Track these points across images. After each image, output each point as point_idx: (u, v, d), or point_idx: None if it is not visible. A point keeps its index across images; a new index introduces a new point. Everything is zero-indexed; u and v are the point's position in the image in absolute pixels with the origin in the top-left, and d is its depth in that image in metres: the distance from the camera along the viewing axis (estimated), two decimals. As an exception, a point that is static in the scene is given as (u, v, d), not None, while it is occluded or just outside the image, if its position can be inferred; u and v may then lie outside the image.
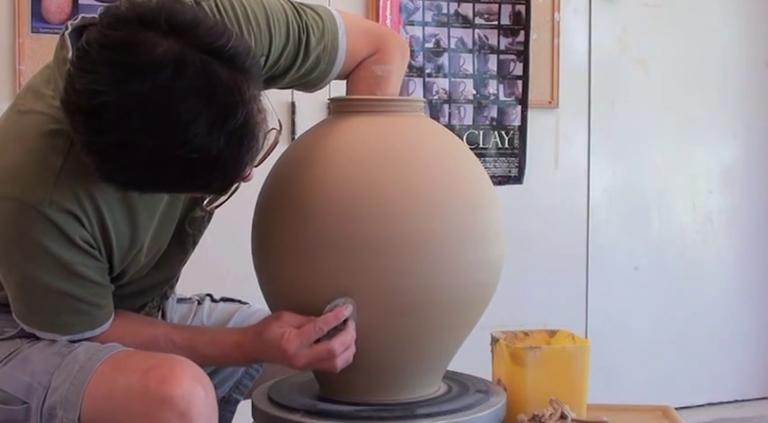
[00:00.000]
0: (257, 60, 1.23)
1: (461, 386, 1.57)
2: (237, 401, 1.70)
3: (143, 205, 1.36)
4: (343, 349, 1.38)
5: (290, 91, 2.73)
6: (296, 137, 2.38)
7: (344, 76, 1.55)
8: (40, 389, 1.31)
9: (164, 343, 1.41)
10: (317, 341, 1.37)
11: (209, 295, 1.74)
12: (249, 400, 1.59)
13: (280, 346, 1.37)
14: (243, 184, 1.39)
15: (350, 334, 1.38)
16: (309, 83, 1.53)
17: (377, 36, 1.56)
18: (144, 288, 1.50)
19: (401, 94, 2.79)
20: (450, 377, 1.60)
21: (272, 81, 1.44)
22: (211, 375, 1.42)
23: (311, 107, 2.73)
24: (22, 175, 1.26)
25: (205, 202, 1.40)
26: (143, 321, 1.46)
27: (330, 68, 1.50)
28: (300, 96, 2.79)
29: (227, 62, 1.15)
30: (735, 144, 3.50)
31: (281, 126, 1.30)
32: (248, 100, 1.16)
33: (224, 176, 1.21)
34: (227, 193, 1.31)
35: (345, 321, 1.38)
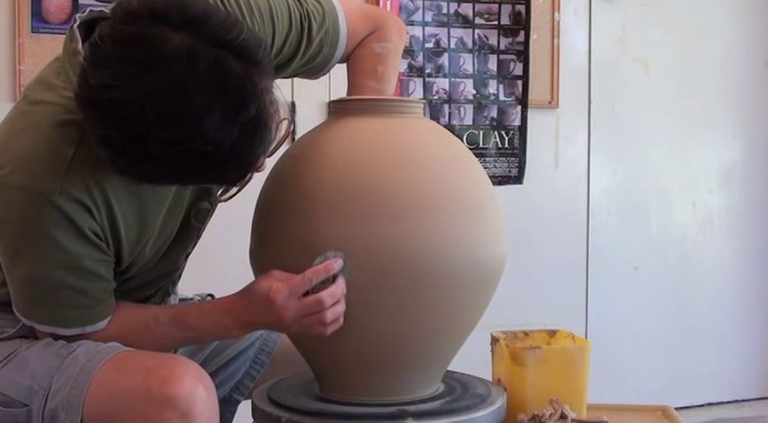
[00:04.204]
0: (268, 52, 1.24)
1: (461, 386, 1.57)
2: (238, 402, 1.70)
3: (151, 197, 1.37)
4: (333, 302, 1.35)
5: (290, 91, 2.75)
6: (296, 137, 2.39)
7: (345, 58, 1.57)
8: (41, 392, 1.31)
9: (154, 325, 1.41)
10: (306, 295, 1.35)
11: (210, 295, 1.74)
12: (249, 401, 1.59)
13: (267, 296, 1.34)
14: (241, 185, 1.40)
15: (340, 287, 1.35)
16: (314, 69, 1.54)
17: (374, 17, 1.58)
18: (147, 281, 1.51)
19: (401, 94, 2.78)
20: (450, 377, 1.60)
21: (277, 70, 1.45)
22: (212, 375, 1.42)
23: (311, 107, 2.73)
24: (34, 164, 1.27)
25: (219, 193, 1.41)
26: (134, 308, 1.44)
27: (333, 52, 1.53)
28: (301, 96, 2.80)
29: (238, 55, 1.17)
30: (735, 144, 3.51)
31: (292, 116, 1.31)
32: (260, 92, 1.18)
33: (238, 168, 1.23)
34: (240, 183, 1.32)
35: (335, 278, 1.36)
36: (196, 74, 1.14)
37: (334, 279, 1.35)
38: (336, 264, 1.35)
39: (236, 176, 1.26)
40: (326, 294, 1.34)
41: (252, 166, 1.24)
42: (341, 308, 1.36)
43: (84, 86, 1.17)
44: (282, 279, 1.36)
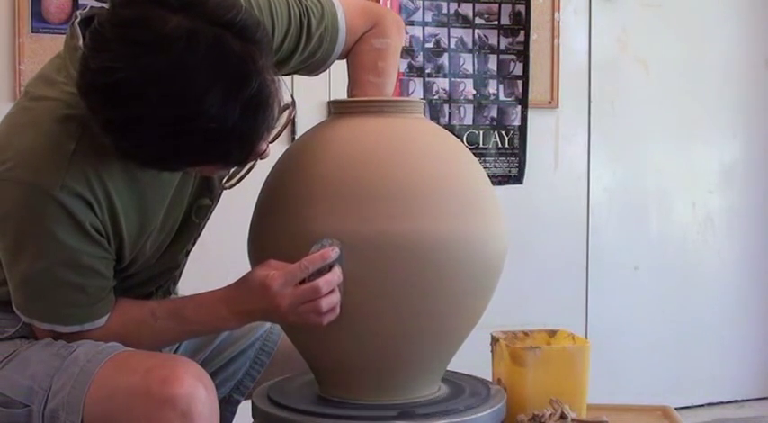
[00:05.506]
0: (267, 32, 1.25)
1: (461, 386, 1.57)
2: (238, 402, 1.70)
3: (152, 193, 1.37)
4: (329, 289, 1.34)
5: (289, 90, 2.74)
6: (296, 137, 2.39)
7: (345, 54, 1.58)
8: (41, 392, 1.31)
9: (152, 320, 1.40)
10: (302, 283, 1.34)
11: (209, 296, 1.74)
12: (249, 401, 1.59)
13: (264, 283, 1.34)
14: (241, 186, 1.40)
15: (336, 275, 1.35)
16: (313, 65, 1.56)
17: (372, 13, 1.60)
18: (148, 278, 1.51)
19: (401, 94, 2.77)
20: (450, 377, 1.60)
21: (278, 67, 1.45)
22: (212, 375, 1.42)
23: (311, 107, 2.73)
24: (36, 160, 1.27)
25: (224, 181, 1.41)
26: (131, 304, 1.44)
27: (332, 48, 1.54)
28: (300, 95, 2.79)
29: (237, 34, 1.18)
30: (735, 144, 3.51)
31: (294, 103, 1.32)
32: (261, 69, 1.19)
33: (242, 146, 1.23)
34: (244, 167, 1.33)
35: (331, 266, 1.35)
36: (196, 53, 1.15)
37: (330, 267, 1.35)
38: (333, 252, 1.35)
39: (242, 155, 1.26)
40: (322, 281, 1.34)
41: (256, 143, 1.24)
42: (336, 297, 1.36)
43: (85, 73, 1.18)
44: (278, 267, 1.36)
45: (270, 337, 1.70)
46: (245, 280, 1.38)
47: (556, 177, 3.28)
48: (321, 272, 1.34)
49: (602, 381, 1.93)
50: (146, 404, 1.25)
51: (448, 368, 1.56)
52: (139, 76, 1.14)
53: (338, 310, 1.37)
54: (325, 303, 1.34)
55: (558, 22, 3.22)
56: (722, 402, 3.48)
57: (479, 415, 1.45)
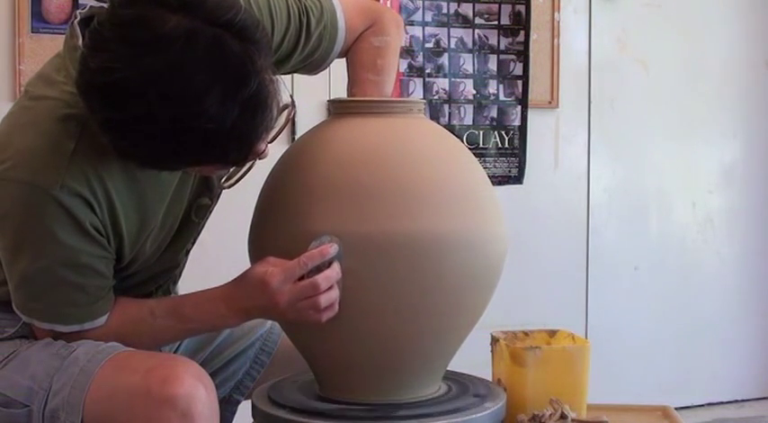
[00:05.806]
0: (266, 32, 1.26)
1: (461, 386, 1.57)
2: (238, 402, 1.70)
3: (152, 192, 1.37)
4: (328, 286, 1.34)
5: (289, 90, 2.74)
6: (296, 137, 2.39)
7: (344, 53, 1.58)
8: (41, 392, 1.31)
9: (151, 319, 1.40)
10: (301, 280, 1.34)
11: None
12: (249, 401, 1.59)
13: (263, 280, 1.34)
14: (241, 186, 1.40)
15: (335, 271, 1.35)
16: (313, 64, 1.56)
17: (372, 11, 1.60)
18: (148, 277, 1.51)
19: (401, 94, 2.78)
20: (450, 377, 1.60)
21: (277, 66, 1.46)
22: (212, 375, 1.42)
23: (311, 107, 2.73)
24: (36, 159, 1.27)
25: (222, 180, 1.41)
26: (130, 303, 1.44)
27: (332, 47, 1.54)
28: (300, 95, 2.80)
29: (237, 34, 1.18)
30: (735, 144, 3.51)
31: (293, 103, 1.32)
32: (260, 69, 1.19)
33: (240, 146, 1.23)
34: (243, 167, 1.33)
35: (330, 263, 1.35)
36: (195, 53, 1.15)
37: (329, 264, 1.35)
38: (332, 248, 1.35)
39: (240, 155, 1.26)
40: (321, 278, 1.34)
41: (254, 143, 1.24)
42: (335, 293, 1.36)
43: (84, 72, 1.18)
44: (277, 264, 1.36)
45: (270, 337, 1.70)
46: (243, 277, 1.39)
47: (556, 177, 3.28)
48: (320, 268, 1.34)
49: (602, 381, 1.93)
50: (146, 404, 1.25)
51: (448, 368, 1.56)
52: (138, 75, 1.15)
53: (337, 307, 1.37)
54: (324, 300, 1.34)
55: (558, 22, 3.22)
56: (722, 402, 3.48)
57: (479, 415, 1.45)
